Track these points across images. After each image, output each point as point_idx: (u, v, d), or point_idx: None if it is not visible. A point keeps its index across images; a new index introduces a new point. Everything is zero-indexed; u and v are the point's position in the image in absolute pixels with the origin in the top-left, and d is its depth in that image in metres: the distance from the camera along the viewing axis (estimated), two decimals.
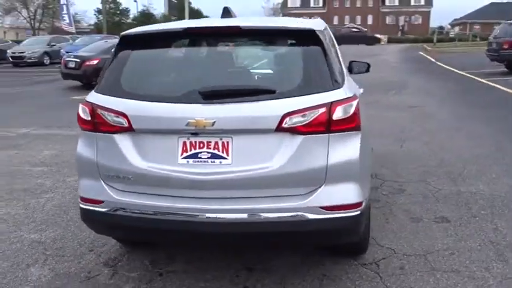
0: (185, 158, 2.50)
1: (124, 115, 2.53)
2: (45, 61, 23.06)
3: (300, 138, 2.43)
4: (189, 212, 2.50)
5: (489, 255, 3.23)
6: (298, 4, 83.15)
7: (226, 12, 3.15)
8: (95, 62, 14.04)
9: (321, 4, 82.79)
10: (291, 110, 2.39)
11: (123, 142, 2.58)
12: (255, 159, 2.45)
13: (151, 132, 2.54)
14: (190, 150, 2.49)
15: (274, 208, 2.46)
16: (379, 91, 12.57)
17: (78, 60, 14.22)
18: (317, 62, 2.56)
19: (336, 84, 2.52)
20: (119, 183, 2.63)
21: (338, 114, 2.45)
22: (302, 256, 3.25)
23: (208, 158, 2.48)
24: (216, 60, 2.74)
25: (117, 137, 2.58)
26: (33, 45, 23.84)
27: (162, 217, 2.53)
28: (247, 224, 2.47)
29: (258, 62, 2.81)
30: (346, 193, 2.52)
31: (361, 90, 3.48)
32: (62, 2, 29.58)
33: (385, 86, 13.60)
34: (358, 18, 79.98)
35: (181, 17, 50.59)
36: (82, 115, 2.68)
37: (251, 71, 2.77)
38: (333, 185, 2.49)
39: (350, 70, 4.67)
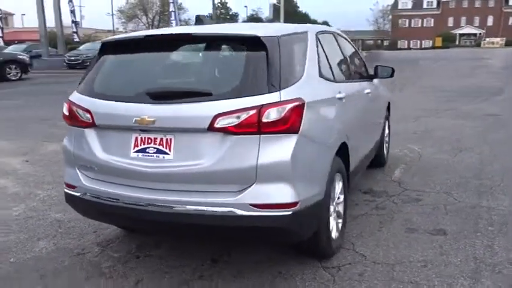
0: (136, 152, 2.79)
1: (89, 112, 2.90)
2: None
3: (231, 138, 2.58)
4: (137, 201, 2.78)
5: (463, 272, 3.06)
6: (409, 6, 79.72)
7: (199, 20, 3.38)
8: None
9: (434, 5, 78.57)
10: (222, 111, 2.56)
11: (90, 136, 2.94)
12: (191, 156, 2.66)
13: (110, 127, 2.87)
14: (141, 145, 2.78)
15: (208, 202, 2.64)
16: (464, 98, 11.90)
17: None
18: (255, 66, 2.69)
19: (272, 88, 2.62)
20: (87, 172, 3.00)
21: (268, 116, 2.56)
22: (271, 253, 3.36)
23: (154, 152, 2.74)
24: (167, 64, 2.99)
25: (86, 131, 2.96)
26: (90, 50, 26.26)
27: (117, 203, 2.85)
28: (181, 215, 2.68)
29: (203, 66, 3.00)
30: (278, 193, 2.61)
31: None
32: (171, 9, 31.83)
33: (475, 93, 12.81)
34: (476, 20, 74.56)
35: (287, 21, 51.65)
36: (64, 111, 3.10)
37: (195, 74, 2.97)
38: (263, 184, 2.60)
39: (376, 74, 4.66)
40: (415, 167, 5.62)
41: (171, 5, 31.26)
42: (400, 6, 79.48)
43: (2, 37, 36.30)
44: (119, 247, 3.61)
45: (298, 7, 75.01)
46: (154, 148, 2.74)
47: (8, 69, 19.07)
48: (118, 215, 2.92)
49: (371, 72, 4.84)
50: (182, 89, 2.75)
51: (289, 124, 2.60)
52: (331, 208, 3.22)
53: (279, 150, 2.59)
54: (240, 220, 2.62)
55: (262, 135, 2.57)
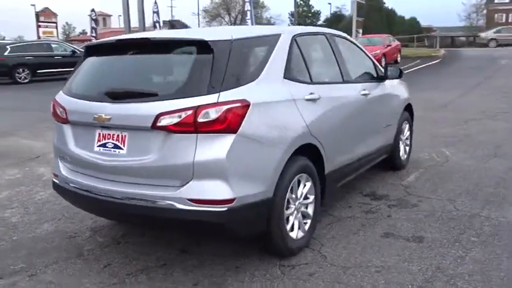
0: (99, 146, 3.07)
1: (65, 109, 3.23)
2: None
3: (171, 136, 2.77)
4: (100, 191, 3.06)
5: (415, 280, 2.99)
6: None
7: (172, 26, 3.58)
8: None
9: None
10: (163, 111, 2.75)
11: (67, 131, 3.28)
12: (140, 152, 2.89)
13: (78, 124, 3.18)
14: (102, 140, 3.05)
15: (153, 195, 2.85)
16: None
17: None
18: (200, 69, 2.84)
19: (212, 90, 2.75)
20: (65, 163, 3.35)
21: (204, 116, 2.70)
22: (238, 248, 3.48)
23: (112, 147, 3.00)
24: (127, 66, 3.22)
25: (64, 127, 3.30)
26: None
27: (86, 193, 3.15)
28: (132, 205, 2.91)
29: (155, 68, 3.17)
30: (213, 189, 2.75)
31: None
32: (246, 8, 32.37)
33: None
34: None
35: (371, 18, 50.14)
36: (51, 108, 3.47)
37: (147, 76, 3.16)
38: (200, 180, 2.76)
39: (385, 75, 4.62)
40: (434, 172, 5.40)
41: (247, 4, 31.79)
42: (496, 0, 73.96)
43: (95, 37, 39.30)
44: (107, 233, 3.94)
45: (384, 3, 72.52)
46: (112, 143, 3.00)
47: None
48: (87, 203, 3.22)
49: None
50: (134, 90, 2.98)
51: (225, 124, 2.73)
52: (292, 207, 3.29)
53: (215, 149, 2.73)
54: (179, 213, 2.79)
55: (199, 134, 2.73)
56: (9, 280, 3.16)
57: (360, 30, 48.90)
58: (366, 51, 4.90)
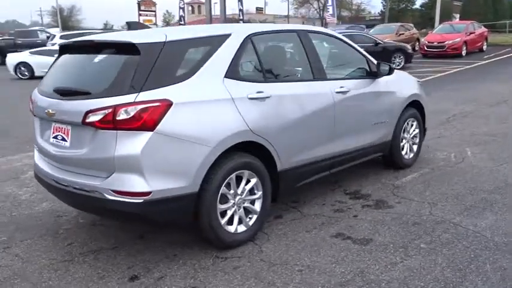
0: (53, 138, 3.44)
1: (32, 103, 3.65)
2: None
3: (97, 131, 3.03)
4: (53, 178, 3.44)
5: (327, 282, 3.00)
6: None
7: (129, 27, 3.81)
8: None
9: None
10: (90, 109, 3.02)
11: (36, 123, 3.70)
12: (77, 145, 3.20)
13: (40, 117, 3.57)
14: (55, 132, 3.41)
15: (86, 184, 3.15)
16: None
17: None
18: (125, 70, 3.07)
19: (132, 90, 2.97)
20: (38, 152, 3.78)
21: (121, 115, 2.93)
22: (189, 237, 3.67)
23: (61, 139, 3.36)
24: (75, 65, 3.51)
25: (35, 119, 3.72)
26: None
27: (46, 179, 3.56)
28: (72, 192, 3.25)
29: (93, 68, 3.40)
30: (131, 182, 2.98)
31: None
32: None
33: None
34: None
35: (473, 2, 46.38)
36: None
37: (86, 75, 3.41)
38: (121, 173, 3.00)
39: (377, 72, 4.58)
40: (438, 173, 5.15)
41: None
42: None
43: (183, 25, 41.12)
44: (89, 216, 4.35)
45: None
46: (61, 136, 3.35)
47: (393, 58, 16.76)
48: (53, 190, 3.60)
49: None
50: (73, 88, 3.29)
51: (141, 122, 2.93)
52: (230, 202, 3.42)
53: (132, 145, 2.95)
54: (106, 203, 3.07)
55: (118, 131, 2.97)
56: None
57: (457, 15, 45.63)
58: (358, 48, 4.79)
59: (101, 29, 39.48)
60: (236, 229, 3.50)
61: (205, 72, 3.31)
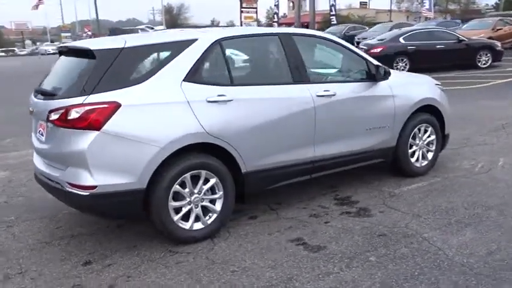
0: (38, 134, 3.87)
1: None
2: None
3: (58, 129, 3.37)
4: (38, 169, 3.87)
5: (251, 285, 3.04)
6: None
7: (111, 32, 4.07)
8: (378, 50, 14.83)
9: None
10: (52, 108, 3.37)
11: (32, 120, 4.18)
12: (48, 140, 3.58)
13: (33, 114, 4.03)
14: (38, 128, 3.83)
15: (53, 176, 3.52)
16: None
17: (365, 47, 15.30)
18: (83, 74, 3.37)
19: (83, 92, 3.25)
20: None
21: (72, 115, 3.23)
22: (147, 229, 3.86)
23: (41, 135, 3.77)
24: (57, 69, 3.85)
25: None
26: (331, 33, 27.25)
27: (37, 173, 4.00)
28: (46, 183, 3.64)
29: (64, 72, 3.71)
30: (80, 176, 3.28)
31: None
32: None
33: None
34: None
35: None
36: None
37: (58, 78, 3.71)
38: (73, 168, 3.32)
39: (376, 75, 4.50)
40: (448, 184, 4.83)
41: None
42: None
43: (277, 22, 41.64)
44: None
45: None
46: (41, 131, 3.76)
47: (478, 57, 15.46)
48: (38, 181, 4.02)
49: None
50: (47, 89, 3.65)
51: (87, 122, 3.21)
52: (186, 200, 3.58)
53: (80, 142, 3.25)
54: (63, 193, 3.41)
55: (70, 129, 3.28)
56: None
57: None
58: (355, 50, 4.65)
59: (145, 25, 40.55)
60: (192, 226, 3.65)
61: (162, 76, 3.50)
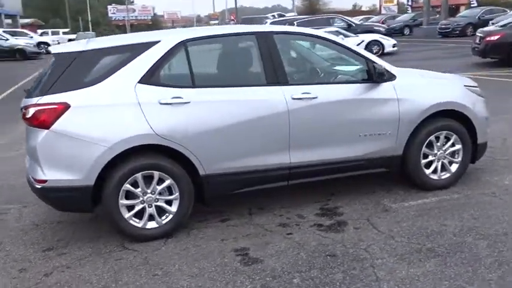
0: None
1: None
2: (468, 33, 24.18)
3: (27, 126, 3.71)
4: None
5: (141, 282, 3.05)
6: None
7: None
8: (496, 37, 13.14)
9: None
10: (21, 107, 3.72)
11: None
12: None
13: None
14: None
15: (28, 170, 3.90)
16: None
17: (482, 35, 13.64)
18: (43, 76, 3.64)
19: (39, 94, 3.52)
20: None
21: (28, 114, 3.52)
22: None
23: None
24: (42, 70, 4.15)
25: None
26: (463, 18, 25.62)
27: None
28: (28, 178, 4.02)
29: (44, 74, 3.86)
30: (36, 170, 3.58)
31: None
32: None
33: None
34: None
35: None
36: None
37: (39, 79, 3.91)
38: (33, 162, 3.64)
39: (376, 77, 4.21)
40: (461, 202, 4.19)
41: None
42: None
43: (410, 5, 39.21)
44: None
45: None
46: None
47: None
48: None
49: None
50: (28, 90, 3.97)
51: (39, 121, 3.48)
52: (138, 199, 3.69)
53: (34, 139, 3.53)
54: (32, 185, 3.75)
55: (30, 127, 3.59)
56: None
57: None
58: (355, 49, 4.23)
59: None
60: (145, 225, 3.75)
61: (117, 78, 3.62)
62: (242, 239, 3.73)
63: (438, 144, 4.43)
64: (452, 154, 4.52)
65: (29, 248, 3.81)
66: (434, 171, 4.48)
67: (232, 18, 66.51)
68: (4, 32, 29.76)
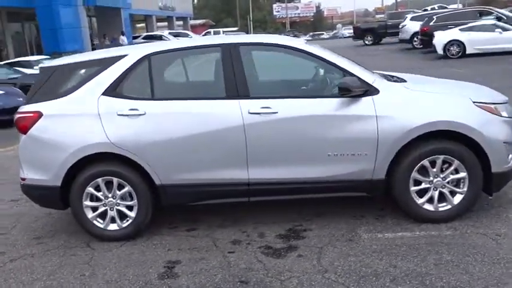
0: None
1: None
2: None
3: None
4: None
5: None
6: None
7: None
8: None
9: None
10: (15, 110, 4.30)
11: None
12: None
13: None
14: None
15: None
16: None
17: None
18: (33, 88, 4.14)
19: (24, 103, 4.06)
20: None
21: (15, 120, 4.08)
22: None
23: None
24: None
25: None
26: None
27: None
28: None
29: None
30: (20, 170, 4.14)
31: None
32: None
33: None
34: None
35: None
36: None
37: None
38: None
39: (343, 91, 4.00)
40: (446, 242, 3.57)
41: None
42: None
43: None
44: None
45: None
46: None
47: None
48: None
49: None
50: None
51: (19, 127, 4.00)
52: (100, 202, 3.99)
53: (20, 142, 4.09)
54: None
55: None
56: None
57: None
58: (335, 62, 3.86)
59: None
60: (107, 226, 4.04)
61: (85, 90, 3.95)
62: (184, 252, 3.76)
63: (434, 170, 3.80)
64: (457, 183, 3.83)
65: (24, 234, 4.41)
66: (430, 201, 3.86)
67: (401, 9, 63.43)
68: (169, 33, 33.40)
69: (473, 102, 3.81)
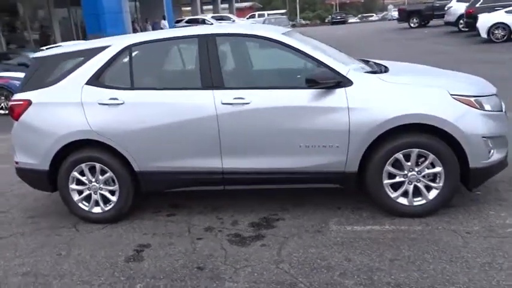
0: None
1: None
2: None
3: None
4: None
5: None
6: None
7: None
8: None
9: None
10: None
11: None
12: None
13: None
14: None
15: None
16: None
17: None
18: (25, 77, 4.37)
19: (18, 91, 4.30)
20: None
21: (9, 107, 4.35)
22: None
23: None
24: None
25: None
26: None
27: None
28: None
29: None
30: (14, 154, 4.41)
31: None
32: None
33: None
34: None
35: None
36: None
37: None
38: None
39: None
40: (409, 237, 3.51)
41: None
42: None
43: None
44: None
45: None
46: None
47: None
48: None
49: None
50: None
51: (12, 114, 4.26)
52: (86, 186, 4.20)
53: (13, 128, 4.35)
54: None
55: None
56: None
57: None
58: (309, 53, 3.82)
59: None
60: (91, 209, 4.25)
61: (70, 79, 4.14)
62: (157, 236, 3.90)
63: (409, 163, 3.72)
64: (433, 177, 3.74)
65: (21, 213, 4.70)
66: (405, 195, 3.79)
67: None
68: (212, 17, 33.65)
69: (451, 94, 3.67)
